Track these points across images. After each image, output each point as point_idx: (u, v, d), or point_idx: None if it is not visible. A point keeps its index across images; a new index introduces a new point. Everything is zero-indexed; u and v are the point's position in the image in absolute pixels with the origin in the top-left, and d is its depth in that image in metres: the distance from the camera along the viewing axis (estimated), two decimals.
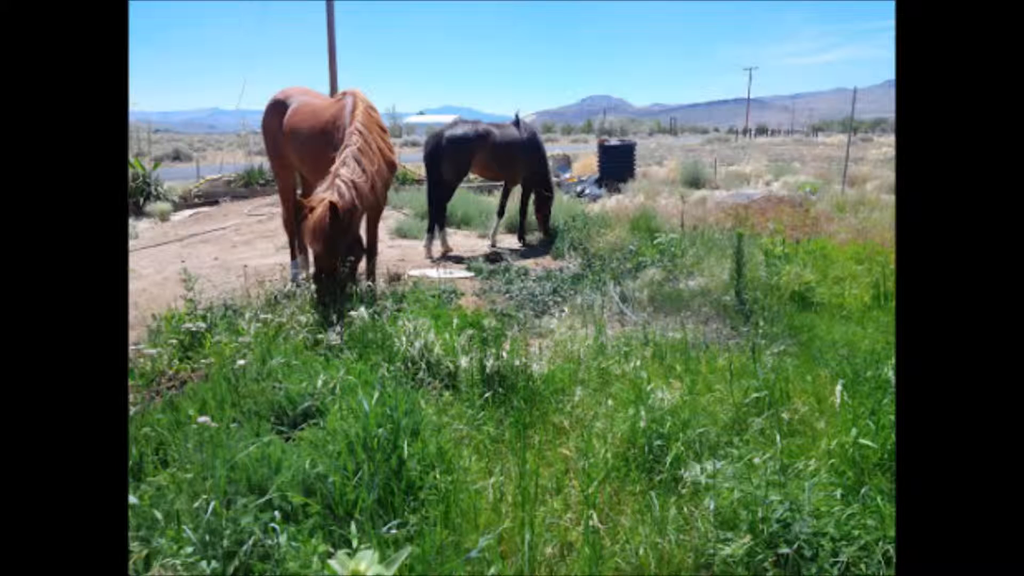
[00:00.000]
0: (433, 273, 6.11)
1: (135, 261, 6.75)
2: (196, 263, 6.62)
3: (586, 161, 17.63)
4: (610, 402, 2.88)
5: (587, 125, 79.09)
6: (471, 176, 9.91)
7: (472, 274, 6.34)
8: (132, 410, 2.60)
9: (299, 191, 5.72)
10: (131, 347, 3.30)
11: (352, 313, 3.67)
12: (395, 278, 5.63)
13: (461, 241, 8.27)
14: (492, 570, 1.77)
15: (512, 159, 7.64)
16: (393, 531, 1.89)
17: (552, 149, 17.92)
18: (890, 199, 9.98)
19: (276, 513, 1.83)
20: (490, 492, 2.17)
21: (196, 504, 1.84)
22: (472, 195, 10.78)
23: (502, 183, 8.35)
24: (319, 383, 2.72)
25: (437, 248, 7.39)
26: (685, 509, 2.11)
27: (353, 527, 1.80)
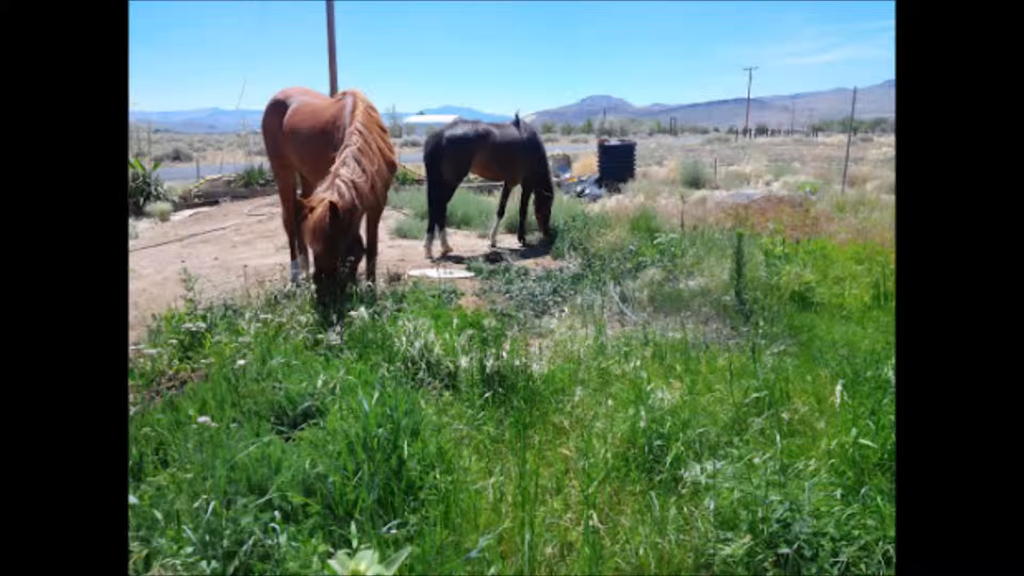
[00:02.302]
0: (433, 273, 6.11)
1: (135, 261, 6.74)
2: (196, 263, 6.62)
3: (586, 161, 17.63)
4: (610, 402, 2.88)
5: (587, 125, 79.09)
6: (471, 176, 9.91)
7: (472, 274, 6.34)
8: (132, 410, 2.60)
9: (299, 191, 5.72)
10: (131, 347, 3.30)
11: (352, 313, 3.67)
12: (395, 278, 5.63)
13: (461, 241, 8.27)
14: (492, 570, 1.77)
15: (512, 159, 7.64)
16: (393, 531, 1.89)
17: (552, 149, 17.92)
18: (890, 199, 9.99)
19: (276, 513, 1.83)
20: (490, 492, 2.17)
21: (196, 504, 1.84)
22: (472, 195, 10.77)
23: (502, 183, 8.35)
24: (319, 383, 2.72)
25: (437, 248, 7.39)
26: (685, 509, 2.11)
27: (353, 527, 1.80)
